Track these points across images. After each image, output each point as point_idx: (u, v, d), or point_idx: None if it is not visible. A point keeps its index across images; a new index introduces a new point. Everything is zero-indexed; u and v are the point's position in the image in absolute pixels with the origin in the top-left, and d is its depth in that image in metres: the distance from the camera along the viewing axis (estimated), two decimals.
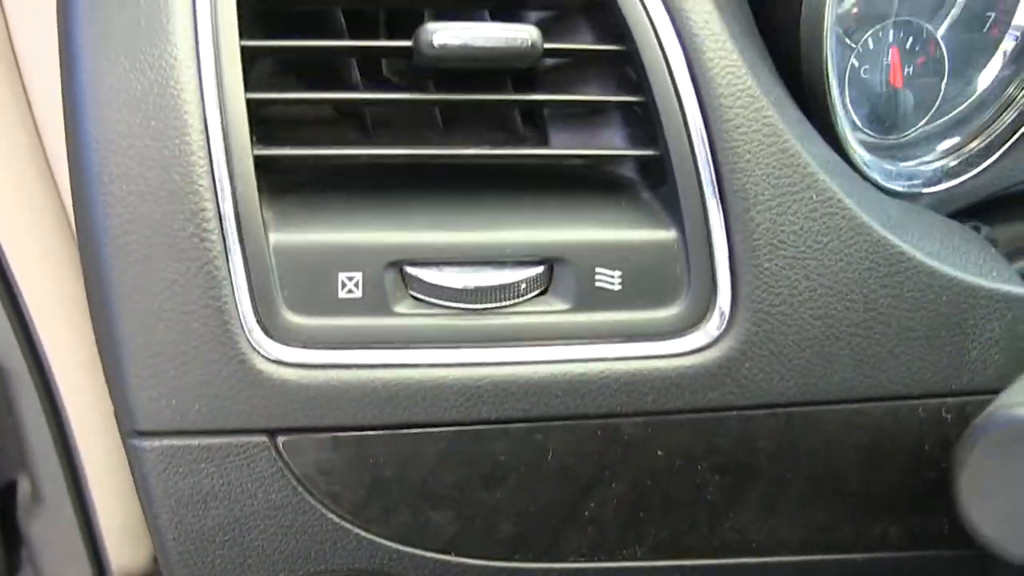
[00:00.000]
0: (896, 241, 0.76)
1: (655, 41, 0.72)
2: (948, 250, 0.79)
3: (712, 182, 0.72)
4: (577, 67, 0.76)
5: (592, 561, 0.77)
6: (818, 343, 0.75)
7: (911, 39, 0.88)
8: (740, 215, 0.72)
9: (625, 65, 0.74)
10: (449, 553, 0.75)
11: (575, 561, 0.77)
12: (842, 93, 0.86)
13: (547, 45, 0.71)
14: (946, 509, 0.76)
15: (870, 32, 0.87)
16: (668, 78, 0.72)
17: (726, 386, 0.74)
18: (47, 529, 0.84)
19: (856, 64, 0.87)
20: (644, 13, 0.72)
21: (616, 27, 0.73)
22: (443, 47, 0.68)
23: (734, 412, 0.75)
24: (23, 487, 0.85)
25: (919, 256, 0.76)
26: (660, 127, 0.72)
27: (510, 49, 0.69)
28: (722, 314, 0.73)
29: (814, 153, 0.75)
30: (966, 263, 0.79)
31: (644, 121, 0.74)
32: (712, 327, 0.73)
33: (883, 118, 0.90)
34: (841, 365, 0.75)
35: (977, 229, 0.93)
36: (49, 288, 0.80)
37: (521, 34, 0.69)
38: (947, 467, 0.78)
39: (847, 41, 0.86)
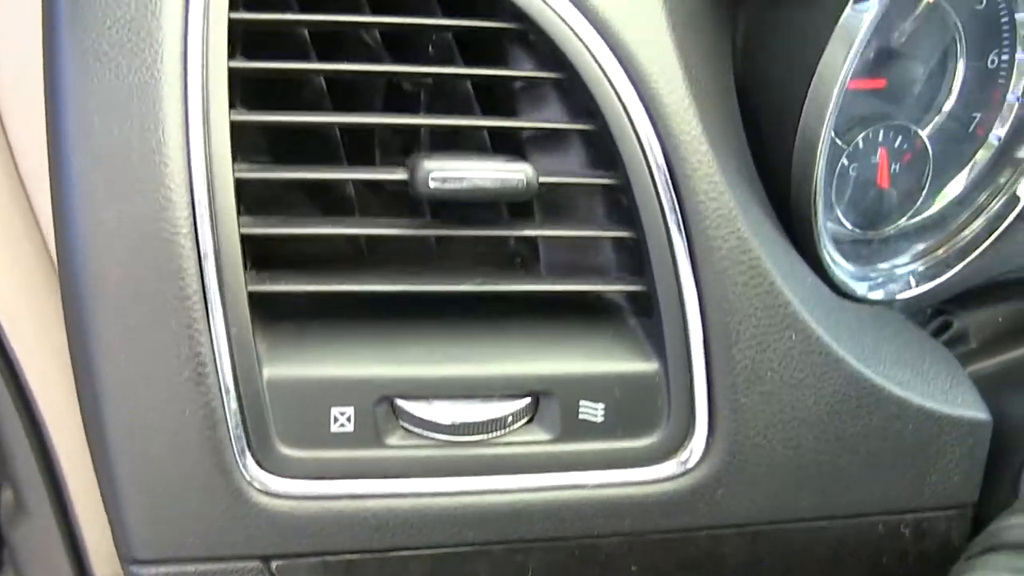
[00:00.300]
0: (869, 375, 0.79)
1: (648, 177, 0.73)
2: (918, 378, 0.83)
3: (697, 320, 0.74)
4: (571, 190, 0.77)
5: None
6: (788, 470, 0.78)
7: (900, 138, 0.90)
8: (721, 353, 0.74)
9: (619, 193, 0.75)
10: None
11: None
12: (827, 215, 0.88)
13: (542, 179, 0.72)
14: None
15: (861, 134, 0.88)
16: (659, 216, 0.73)
17: (699, 509, 0.77)
18: (29, 536, 0.86)
19: (846, 163, 0.89)
20: (639, 147, 0.73)
21: (611, 155, 0.74)
22: (439, 187, 0.70)
23: (704, 532, 0.79)
24: (6, 495, 0.87)
25: (889, 387, 0.80)
26: (649, 263, 0.74)
27: (506, 189, 0.71)
28: (699, 444, 0.76)
29: (796, 290, 0.77)
30: (934, 390, 0.83)
31: (634, 251, 0.75)
32: (689, 456, 0.76)
33: (867, 213, 0.92)
34: (809, 490, 0.79)
35: (949, 324, 0.97)
36: (20, 300, 0.81)
37: (516, 174, 0.71)
38: None
39: (838, 142, 0.88)
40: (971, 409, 0.84)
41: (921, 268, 0.93)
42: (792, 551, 0.81)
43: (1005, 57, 0.94)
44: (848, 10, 0.79)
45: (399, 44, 0.80)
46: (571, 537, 0.76)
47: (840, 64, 0.79)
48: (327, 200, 0.77)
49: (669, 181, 0.74)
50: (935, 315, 1.02)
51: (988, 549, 0.73)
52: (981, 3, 0.92)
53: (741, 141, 0.83)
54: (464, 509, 0.73)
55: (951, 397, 0.83)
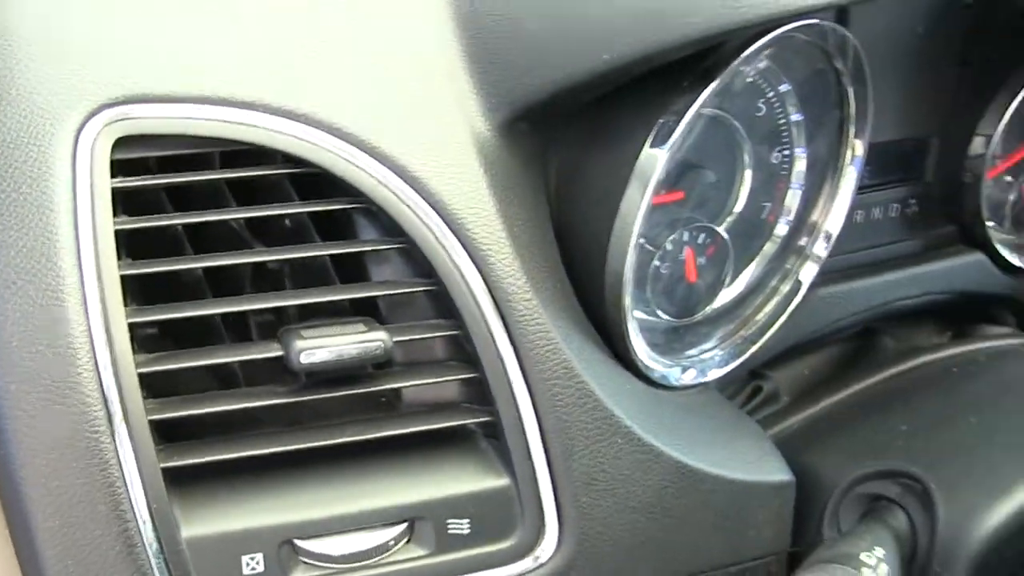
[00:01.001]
0: (687, 461, 0.96)
1: (484, 326, 0.89)
2: (730, 455, 1.00)
3: (538, 440, 0.90)
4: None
5: None
6: (628, 549, 0.94)
7: (702, 236, 1.07)
8: (561, 465, 0.90)
9: (462, 339, 0.90)
10: None
11: None
12: (641, 308, 1.04)
13: (395, 339, 0.87)
14: None
15: (669, 238, 1.04)
16: (497, 358, 0.89)
17: None
18: None
19: (657, 263, 1.05)
20: (473, 302, 0.89)
21: (452, 308, 0.89)
22: (310, 360, 0.84)
23: None
24: None
25: (705, 468, 0.96)
26: (492, 398, 0.89)
27: (367, 355, 0.85)
28: (551, 541, 0.92)
29: (619, 401, 0.94)
30: (744, 464, 1.00)
31: (481, 387, 0.90)
32: (542, 552, 0.92)
33: (679, 304, 1.08)
34: (647, 561, 0.96)
35: (760, 389, 1.13)
36: None
37: (376, 342, 0.85)
38: None
39: (649, 247, 1.04)
40: (776, 474, 1.01)
41: (726, 349, 1.10)
42: None
43: (786, 153, 1.11)
44: (643, 153, 0.95)
45: (261, 223, 0.93)
46: None
47: (638, 201, 0.95)
48: (217, 369, 0.90)
49: (503, 327, 0.89)
50: (750, 377, 1.19)
51: None
52: (760, 110, 1.08)
53: (561, 278, 0.98)
54: None
55: (759, 467, 1.00)
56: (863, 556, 0.93)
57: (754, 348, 1.10)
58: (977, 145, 1.24)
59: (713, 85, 0.94)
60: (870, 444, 1.09)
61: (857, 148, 1.12)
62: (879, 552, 0.94)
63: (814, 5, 0.91)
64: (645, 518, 0.94)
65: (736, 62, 0.95)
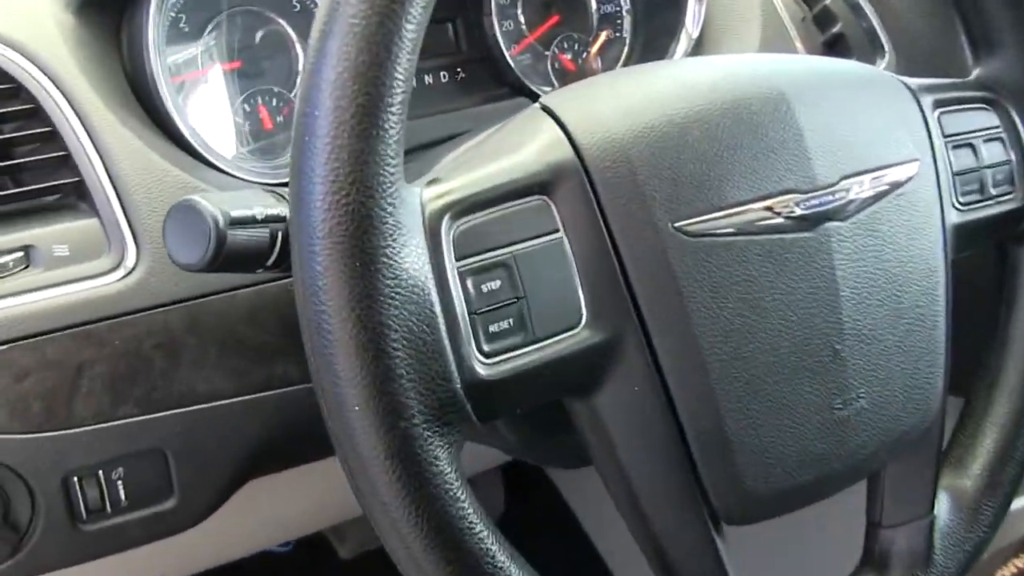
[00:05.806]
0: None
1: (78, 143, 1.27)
2: None
3: (116, 199, 1.26)
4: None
5: None
6: None
7: (274, 100, 1.50)
8: (136, 211, 1.29)
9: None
10: None
11: None
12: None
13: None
14: None
15: (242, 97, 1.48)
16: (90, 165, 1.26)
17: (142, 296, 1.28)
18: None
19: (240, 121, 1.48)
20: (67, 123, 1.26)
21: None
22: None
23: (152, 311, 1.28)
24: None
25: None
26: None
27: None
28: (131, 255, 1.27)
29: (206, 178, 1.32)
30: None
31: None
32: (126, 263, 1.27)
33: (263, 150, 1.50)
34: None
35: None
36: None
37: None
38: None
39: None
40: None
41: None
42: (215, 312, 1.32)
43: None
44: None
45: None
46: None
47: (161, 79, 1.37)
48: None
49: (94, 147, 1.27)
50: None
51: None
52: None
53: (140, 116, 1.35)
54: None
55: None
56: None
57: None
58: (488, 25, 1.59)
59: None
60: None
61: None
62: None
63: None
64: None
65: None
